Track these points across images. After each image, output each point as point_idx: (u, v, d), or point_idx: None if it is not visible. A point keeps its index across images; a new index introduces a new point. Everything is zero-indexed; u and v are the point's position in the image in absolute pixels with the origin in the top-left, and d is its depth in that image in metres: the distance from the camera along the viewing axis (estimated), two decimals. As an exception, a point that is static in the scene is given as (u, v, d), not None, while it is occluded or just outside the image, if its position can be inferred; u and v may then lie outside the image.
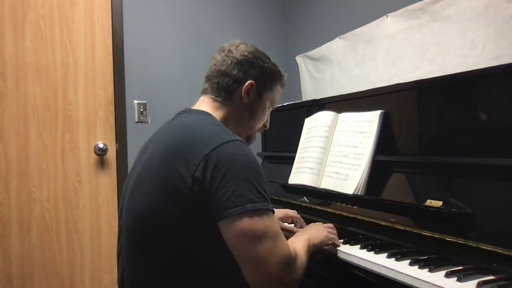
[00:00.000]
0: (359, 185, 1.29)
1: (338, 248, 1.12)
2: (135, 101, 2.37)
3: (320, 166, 1.48)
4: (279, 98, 1.19)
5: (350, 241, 1.15)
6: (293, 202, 1.60)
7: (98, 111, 2.28)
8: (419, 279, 0.86)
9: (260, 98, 1.11)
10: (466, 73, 1.19)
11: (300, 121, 1.72)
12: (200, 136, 0.94)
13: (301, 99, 2.58)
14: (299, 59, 2.67)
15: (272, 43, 2.76)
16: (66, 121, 2.21)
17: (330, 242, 1.12)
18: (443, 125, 1.21)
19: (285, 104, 2.03)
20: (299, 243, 0.99)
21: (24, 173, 2.11)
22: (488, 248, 0.89)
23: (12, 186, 2.09)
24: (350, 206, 1.34)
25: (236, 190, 0.86)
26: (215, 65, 1.10)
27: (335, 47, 2.30)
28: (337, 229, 1.19)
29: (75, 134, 2.23)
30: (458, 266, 0.91)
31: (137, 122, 2.37)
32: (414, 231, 1.08)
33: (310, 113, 1.69)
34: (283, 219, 1.37)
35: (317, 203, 1.49)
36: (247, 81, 1.07)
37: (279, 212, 1.37)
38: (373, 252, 1.05)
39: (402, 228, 1.12)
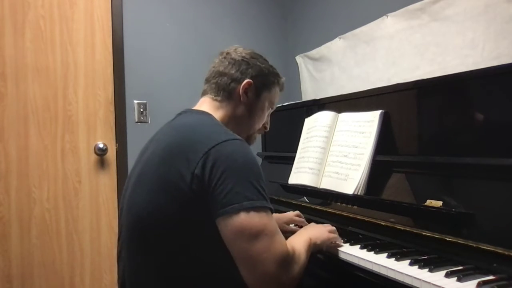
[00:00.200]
0: (359, 185, 1.29)
1: (338, 248, 1.12)
2: (135, 101, 2.37)
3: (320, 166, 1.48)
4: (278, 100, 1.21)
5: (350, 241, 1.15)
6: (293, 202, 1.60)
7: (98, 111, 2.28)
8: (419, 279, 0.86)
9: (259, 98, 1.13)
10: (466, 73, 1.19)
11: (300, 121, 1.72)
12: (200, 135, 0.94)
13: (301, 99, 2.58)
14: (299, 59, 2.67)
15: (272, 43, 2.76)
16: (66, 121, 2.21)
17: (332, 243, 1.12)
18: (443, 125, 1.21)
19: (285, 104, 2.03)
20: (299, 242, 0.99)
21: (24, 173, 2.11)
22: (488, 248, 0.89)
23: (12, 186, 2.09)
24: (350, 206, 1.34)
25: (234, 188, 0.86)
26: (213, 67, 1.13)
27: (335, 47, 2.30)
28: (337, 229, 1.19)
29: (75, 134, 2.23)
30: (458, 266, 0.91)
31: (137, 122, 2.37)
32: (414, 231, 1.08)
33: (310, 113, 1.69)
34: (288, 223, 1.38)
35: (317, 203, 1.49)
36: (244, 80, 1.09)
37: (284, 217, 1.38)
38: (373, 252, 1.05)
39: (402, 228, 1.12)
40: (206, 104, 1.10)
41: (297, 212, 1.42)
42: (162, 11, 2.45)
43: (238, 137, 0.96)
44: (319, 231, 1.11)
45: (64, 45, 2.20)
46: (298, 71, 2.67)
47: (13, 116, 2.09)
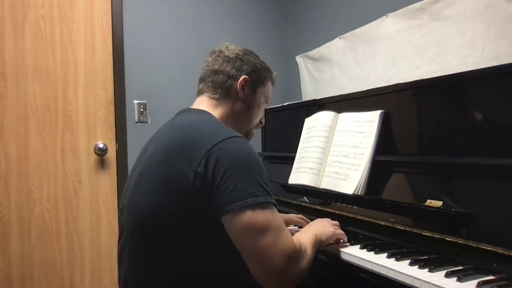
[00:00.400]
0: (359, 185, 1.29)
1: (338, 248, 1.12)
2: (135, 101, 2.37)
3: (320, 166, 1.48)
4: (271, 94, 1.22)
5: (350, 241, 1.15)
6: (293, 202, 1.60)
7: (98, 111, 2.28)
8: (419, 279, 0.86)
9: (255, 93, 1.14)
10: (466, 73, 1.19)
11: (300, 121, 1.72)
12: (201, 133, 0.95)
13: (301, 99, 2.58)
14: (299, 59, 2.67)
15: (272, 43, 2.76)
16: (66, 121, 2.21)
17: (340, 240, 1.13)
18: (443, 125, 1.21)
19: (285, 104, 2.03)
20: (305, 237, 1.00)
21: (24, 173, 2.11)
22: (488, 248, 0.89)
23: (12, 186, 2.09)
24: (350, 206, 1.34)
25: (238, 185, 0.87)
26: (207, 66, 1.14)
27: (335, 47, 2.30)
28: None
29: (75, 134, 2.23)
30: (458, 266, 0.91)
31: (137, 122, 2.38)
32: (414, 231, 1.08)
33: (310, 113, 1.69)
34: (287, 223, 1.37)
35: (317, 203, 1.49)
36: (241, 76, 1.10)
37: (283, 217, 1.37)
38: (373, 252, 1.05)
39: (402, 228, 1.12)
40: (204, 103, 1.11)
41: (300, 215, 1.41)
42: (162, 11, 2.45)
43: (239, 134, 0.97)
44: (324, 227, 1.11)
45: (64, 45, 2.20)
46: (298, 71, 2.67)
47: (13, 116, 2.09)
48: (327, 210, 1.42)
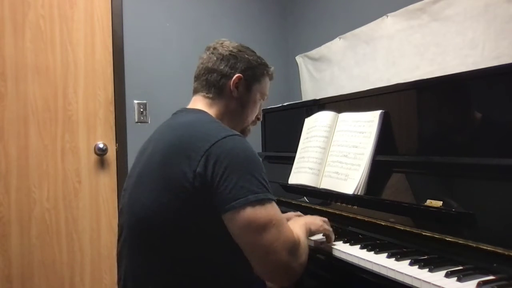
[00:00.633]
0: (359, 185, 1.29)
1: (338, 248, 1.12)
2: (135, 101, 2.37)
3: (320, 166, 1.48)
4: (268, 89, 1.21)
5: (350, 241, 1.15)
6: (293, 202, 1.60)
7: (98, 111, 2.28)
8: (419, 279, 0.86)
9: (250, 91, 1.14)
10: (466, 73, 1.19)
11: (300, 121, 1.72)
12: (199, 133, 0.95)
13: (301, 99, 2.58)
14: (299, 59, 2.67)
15: (272, 43, 2.76)
16: (66, 121, 2.21)
17: (330, 236, 1.15)
18: (443, 125, 1.21)
19: (285, 104, 2.03)
20: (298, 227, 1.02)
21: (24, 173, 2.11)
22: (488, 248, 0.89)
23: (12, 186, 2.09)
24: (350, 206, 1.34)
25: (238, 183, 0.87)
26: (202, 63, 1.14)
27: (335, 47, 2.30)
28: (337, 229, 1.19)
29: (75, 134, 2.23)
30: (458, 266, 0.91)
31: (137, 122, 2.37)
32: (414, 231, 1.08)
33: (310, 113, 1.69)
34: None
35: (317, 203, 1.49)
36: (234, 75, 1.10)
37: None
38: (373, 252, 1.05)
39: (402, 228, 1.12)
40: (199, 102, 1.11)
41: (298, 212, 1.42)
42: (162, 11, 2.45)
43: (237, 132, 0.97)
44: (313, 219, 1.15)
45: (64, 45, 2.20)
46: (298, 71, 2.67)
47: (13, 116, 2.09)
48: (327, 210, 1.42)
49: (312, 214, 1.46)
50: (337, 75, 2.30)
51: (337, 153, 1.43)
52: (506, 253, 0.86)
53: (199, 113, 1.07)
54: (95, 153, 2.26)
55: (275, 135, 2.09)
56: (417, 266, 0.92)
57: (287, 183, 1.62)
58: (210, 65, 1.11)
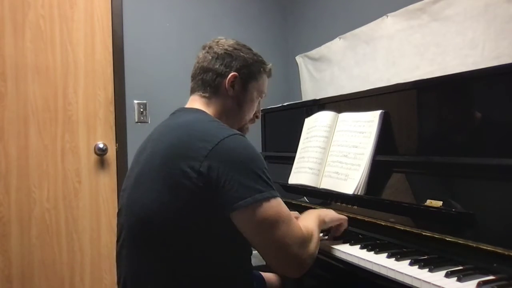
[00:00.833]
0: (359, 185, 1.29)
1: (338, 248, 1.12)
2: (135, 101, 2.37)
3: (320, 166, 1.48)
4: (267, 87, 1.20)
5: (350, 241, 1.15)
6: (293, 202, 1.60)
7: (98, 111, 2.28)
8: (419, 279, 0.86)
9: (246, 89, 1.13)
10: (466, 73, 1.19)
11: (300, 121, 1.72)
12: (200, 132, 0.95)
13: (301, 99, 2.58)
14: (299, 59, 2.67)
15: (272, 43, 2.76)
16: (66, 121, 2.21)
17: (342, 228, 1.18)
18: (443, 125, 1.21)
19: (285, 104, 2.03)
20: (310, 220, 1.04)
21: (24, 173, 2.11)
22: (488, 248, 0.89)
23: (12, 186, 2.09)
24: (350, 206, 1.34)
25: (244, 182, 0.88)
26: (198, 63, 1.15)
27: (335, 47, 2.30)
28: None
29: (75, 134, 2.23)
30: (458, 266, 0.91)
31: (137, 122, 2.38)
32: (414, 231, 1.08)
33: (310, 113, 1.69)
34: None
35: (317, 203, 1.49)
36: (230, 73, 1.09)
37: None
38: (373, 252, 1.05)
39: (402, 228, 1.12)
40: (196, 102, 1.11)
41: (295, 213, 1.42)
42: (162, 11, 2.45)
43: (237, 131, 0.97)
44: (327, 210, 1.18)
45: (64, 45, 2.20)
46: (298, 71, 2.67)
47: (13, 116, 2.09)
48: (327, 210, 1.42)
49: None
50: (337, 75, 2.30)
51: (337, 153, 1.43)
52: (506, 253, 0.86)
53: (197, 113, 1.07)
54: (95, 153, 2.26)
55: (275, 135, 2.09)
56: (417, 266, 0.92)
57: (287, 183, 1.62)
58: (205, 64, 1.11)
